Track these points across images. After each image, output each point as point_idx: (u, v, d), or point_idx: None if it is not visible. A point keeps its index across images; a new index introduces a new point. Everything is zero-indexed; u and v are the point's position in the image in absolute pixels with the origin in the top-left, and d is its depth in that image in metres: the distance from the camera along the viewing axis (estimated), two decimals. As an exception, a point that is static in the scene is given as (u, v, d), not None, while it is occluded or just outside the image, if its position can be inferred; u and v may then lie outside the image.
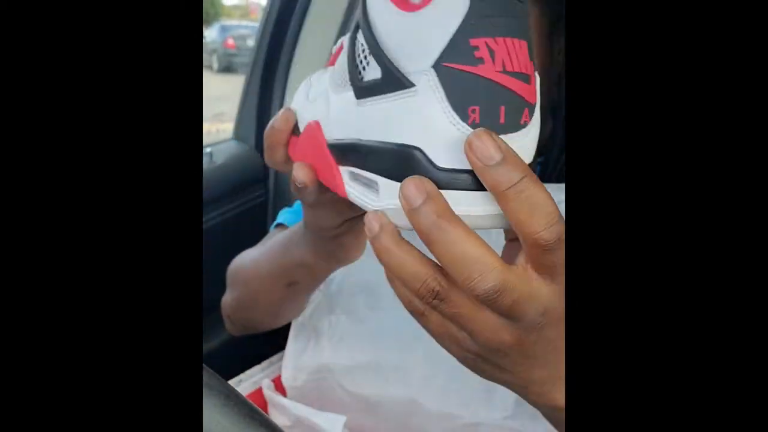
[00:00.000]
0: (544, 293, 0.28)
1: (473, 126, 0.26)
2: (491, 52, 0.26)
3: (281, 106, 1.28)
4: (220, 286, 0.66)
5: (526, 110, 0.27)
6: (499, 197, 0.27)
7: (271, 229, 0.70)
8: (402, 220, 0.28)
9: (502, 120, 0.27)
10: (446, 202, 0.27)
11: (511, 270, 0.27)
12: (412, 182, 0.27)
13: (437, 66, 0.27)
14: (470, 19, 0.26)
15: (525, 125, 0.27)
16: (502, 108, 0.26)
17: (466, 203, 0.27)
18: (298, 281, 0.56)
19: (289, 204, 0.72)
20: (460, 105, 0.27)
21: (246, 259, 0.65)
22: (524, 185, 0.26)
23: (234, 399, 0.30)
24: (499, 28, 0.26)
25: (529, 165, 0.28)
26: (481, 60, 0.26)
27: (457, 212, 0.27)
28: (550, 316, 0.29)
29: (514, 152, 0.27)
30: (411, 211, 0.27)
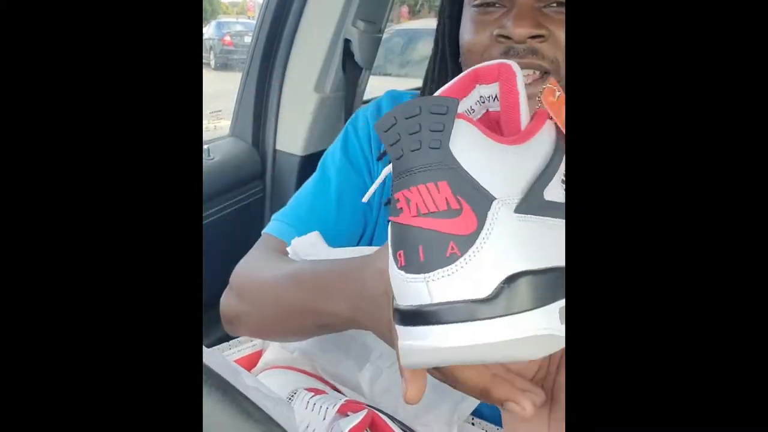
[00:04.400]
0: None
1: (402, 269, 0.29)
2: (407, 200, 0.29)
3: (278, 103, 1.28)
4: (218, 283, 0.66)
5: (452, 243, 0.28)
6: None
7: (264, 232, 0.67)
8: (409, 359, 0.31)
9: (421, 258, 0.29)
10: None
11: None
12: None
13: (388, 222, 0.31)
14: (396, 177, 0.30)
15: (453, 257, 0.28)
16: (420, 247, 0.29)
17: (406, 337, 0.30)
18: (331, 326, 0.52)
19: (285, 201, 0.71)
20: (394, 252, 0.30)
21: (257, 275, 0.61)
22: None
23: (232, 394, 0.30)
24: (415, 177, 0.29)
25: (504, 283, 0.28)
26: (401, 210, 0.29)
27: (401, 347, 0.30)
28: None
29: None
30: None
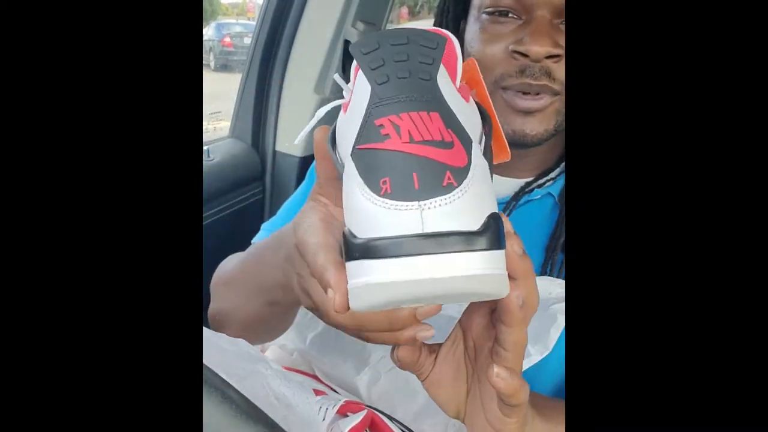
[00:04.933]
0: None
1: (386, 196, 0.27)
2: (396, 127, 0.28)
3: (278, 104, 1.28)
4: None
5: (448, 173, 0.27)
6: None
7: (252, 242, 0.67)
8: (356, 302, 0.29)
9: (416, 185, 0.27)
10: None
11: None
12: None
13: (353, 151, 0.29)
14: (374, 104, 0.28)
15: (450, 187, 0.27)
16: (414, 174, 0.27)
17: (378, 271, 0.28)
18: (279, 301, 0.51)
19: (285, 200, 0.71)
20: (372, 180, 0.28)
21: (223, 271, 0.61)
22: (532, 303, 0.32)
23: (232, 396, 0.30)
24: (402, 105, 0.28)
25: (489, 218, 0.28)
26: (387, 136, 0.28)
27: (369, 281, 0.28)
28: None
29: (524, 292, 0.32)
30: None
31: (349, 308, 0.30)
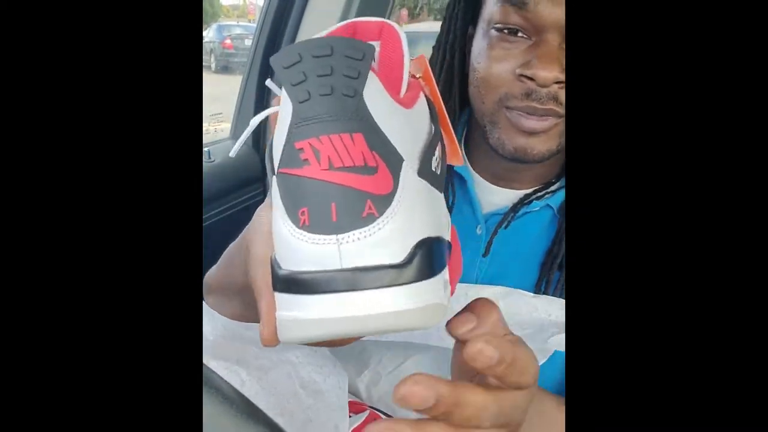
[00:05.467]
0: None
1: (304, 228, 0.26)
2: (316, 152, 0.26)
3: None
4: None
5: (369, 202, 0.26)
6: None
7: None
8: (285, 335, 0.28)
9: (334, 218, 0.26)
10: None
11: (500, 395, 0.30)
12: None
13: (278, 174, 0.27)
14: (295, 124, 0.26)
15: (371, 218, 0.26)
16: (333, 205, 0.26)
17: (301, 308, 0.26)
18: (252, 302, 0.50)
19: None
20: (292, 209, 0.26)
21: (206, 276, 0.59)
22: (453, 403, 0.28)
23: (233, 396, 0.30)
24: (323, 125, 0.26)
25: (416, 247, 0.27)
26: (306, 162, 0.26)
27: (297, 317, 0.26)
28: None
29: (506, 344, 0.28)
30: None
31: (277, 341, 0.29)
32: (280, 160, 0.27)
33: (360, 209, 0.26)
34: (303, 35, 1.26)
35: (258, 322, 0.48)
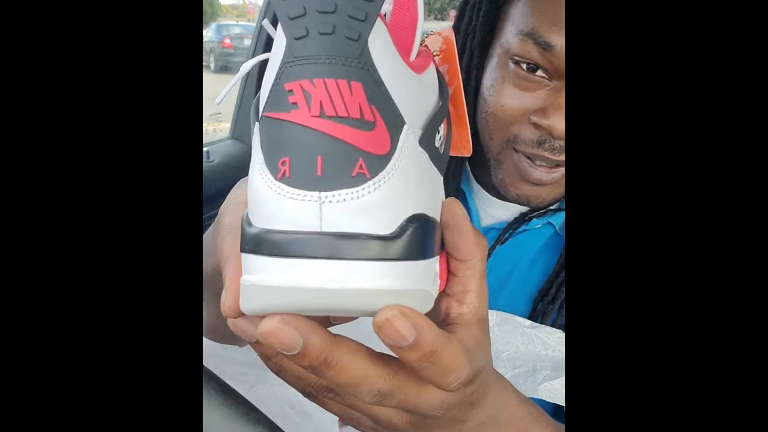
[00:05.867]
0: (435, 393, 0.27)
1: (283, 180, 0.23)
2: (307, 95, 0.23)
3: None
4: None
5: (360, 160, 0.23)
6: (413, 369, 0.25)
7: None
8: (246, 303, 0.24)
9: (318, 172, 0.22)
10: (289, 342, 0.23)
11: (396, 377, 0.26)
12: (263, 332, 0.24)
13: (261, 118, 0.24)
14: (287, 62, 0.23)
15: (361, 178, 0.23)
16: (319, 158, 0.22)
17: (266, 272, 0.23)
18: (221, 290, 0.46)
19: None
20: (271, 158, 0.23)
21: None
22: (435, 359, 0.24)
23: (232, 397, 0.30)
24: (319, 68, 0.23)
25: (408, 221, 0.24)
26: (294, 105, 0.23)
27: (257, 282, 0.23)
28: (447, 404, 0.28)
29: (430, 329, 0.24)
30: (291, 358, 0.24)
31: (239, 313, 0.26)
32: (266, 103, 0.24)
33: (349, 167, 0.23)
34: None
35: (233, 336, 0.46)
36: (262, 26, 1.25)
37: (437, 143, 0.27)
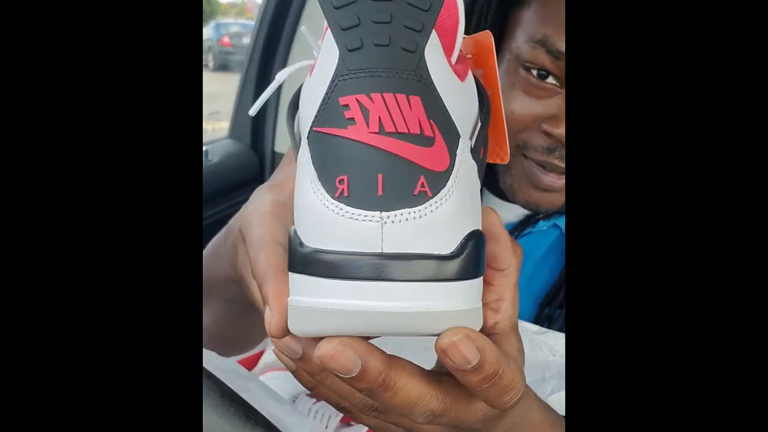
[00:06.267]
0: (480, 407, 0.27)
1: (342, 199, 0.22)
2: (364, 110, 0.22)
3: (276, 104, 1.28)
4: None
5: (422, 178, 0.22)
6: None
7: None
8: (297, 325, 0.24)
9: (379, 191, 0.22)
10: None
11: (448, 396, 0.26)
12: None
13: (310, 132, 0.23)
14: (341, 75, 0.22)
15: (423, 197, 0.22)
16: (380, 176, 0.22)
17: (323, 294, 0.22)
18: (235, 298, 0.44)
19: None
20: (327, 176, 0.22)
21: None
22: (496, 380, 0.24)
23: (231, 399, 0.30)
24: (376, 81, 0.22)
25: (467, 239, 0.23)
26: (351, 121, 0.22)
27: (312, 304, 0.23)
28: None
29: (492, 351, 0.23)
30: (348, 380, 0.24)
31: (287, 332, 0.25)
32: (317, 118, 0.23)
33: (411, 185, 0.22)
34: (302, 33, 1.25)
35: (247, 314, 0.45)
36: (261, 25, 1.25)
37: (480, 152, 0.27)
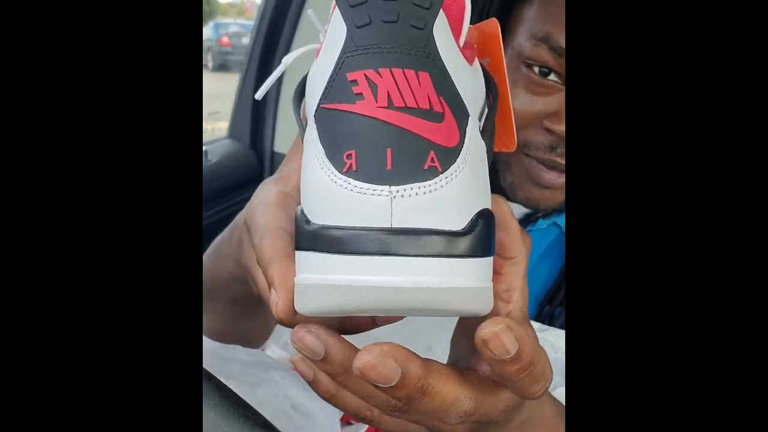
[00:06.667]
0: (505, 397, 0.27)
1: (350, 174, 0.22)
2: (373, 85, 0.22)
3: (276, 104, 1.28)
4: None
5: (432, 153, 0.22)
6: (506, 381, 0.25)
7: None
8: (304, 303, 0.23)
9: (388, 165, 0.21)
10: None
11: (477, 393, 0.26)
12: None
13: (318, 110, 0.23)
14: (349, 51, 0.22)
15: (433, 171, 0.22)
16: (389, 151, 0.21)
17: (331, 270, 0.22)
18: (239, 296, 0.44)
19: None
20: (335, 151, 0.22)
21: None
22: (531, 370, 0.24)
23: (231, 399, 0.30)
24: (384, 57, 0.22)
25: (477, 216, 0.23)
26: (360, 96, 0.22)
27: (319, 281, 0.22)
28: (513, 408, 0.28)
29: (529, 340, 0.23)
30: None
31: (294, 313, 0.24)
32: (324, 94, 0.23)
33: (421, 160, 0.22)
34: (302, 33, 1.25)
35: (251, 312, 0.45)
36: (260, 25, 1.25)
37: (488, 135, 0.26)
